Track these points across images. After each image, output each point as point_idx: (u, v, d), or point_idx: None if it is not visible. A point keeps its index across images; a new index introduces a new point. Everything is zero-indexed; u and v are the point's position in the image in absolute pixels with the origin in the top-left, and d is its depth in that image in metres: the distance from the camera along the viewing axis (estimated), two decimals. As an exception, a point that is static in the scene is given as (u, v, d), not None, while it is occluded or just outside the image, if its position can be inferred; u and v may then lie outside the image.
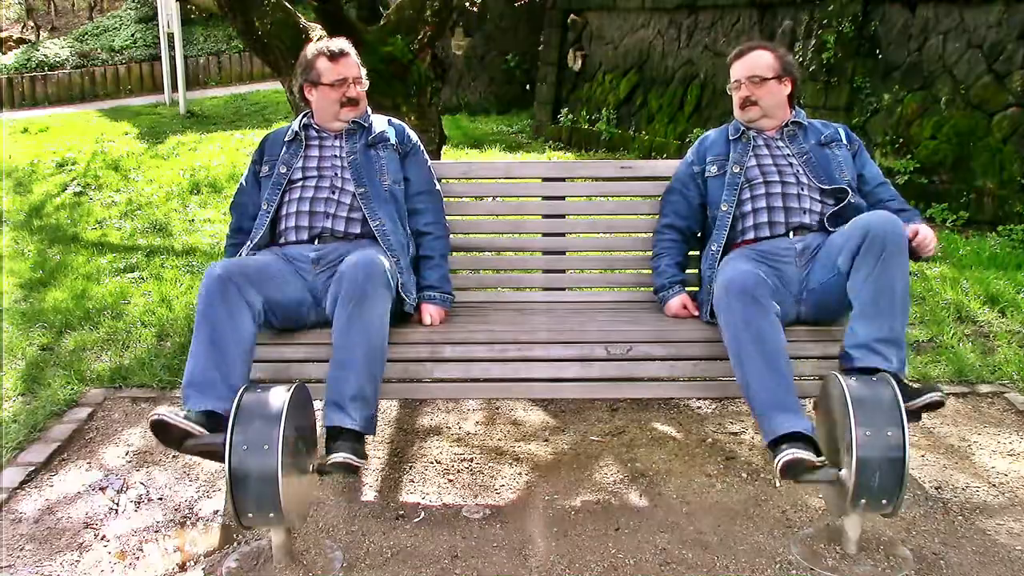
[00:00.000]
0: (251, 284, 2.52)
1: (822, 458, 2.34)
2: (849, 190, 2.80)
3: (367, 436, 2.49)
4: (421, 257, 2.92)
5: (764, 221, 2.83)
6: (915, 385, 2.47)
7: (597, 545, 2.45)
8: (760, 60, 2.93)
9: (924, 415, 2.45)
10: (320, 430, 2.47)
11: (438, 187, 3.06)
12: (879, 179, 2.94)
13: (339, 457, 2.37)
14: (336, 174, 2.89)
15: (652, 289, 3.03)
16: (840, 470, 2.27)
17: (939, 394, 2.40)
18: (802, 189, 2.84)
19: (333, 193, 2.86)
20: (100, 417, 3.30)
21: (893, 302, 2.46)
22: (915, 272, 4.63)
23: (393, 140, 2.99)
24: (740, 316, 2.49)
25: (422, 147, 3.08)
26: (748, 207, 2.87)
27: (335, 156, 2.92)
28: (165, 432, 2.31)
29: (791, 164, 2.89)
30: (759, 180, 2.88)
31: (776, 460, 2.34)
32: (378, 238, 2.79)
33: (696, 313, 2.86)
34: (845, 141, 2.95)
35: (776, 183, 2.86)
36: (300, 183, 2.88)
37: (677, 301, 2.90)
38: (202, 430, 2.31)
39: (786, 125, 2.97)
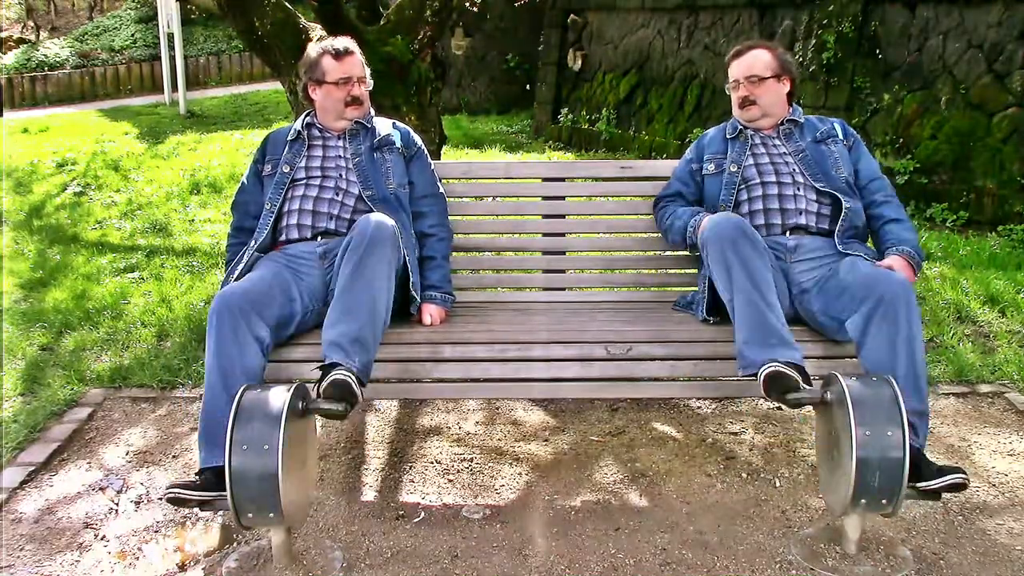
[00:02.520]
0: (259, 315, 2.47)
1: (810, 388, 2.33)
2: (843, 196, 2.79)
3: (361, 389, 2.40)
4: (423, 258, 2.92)
5: (761, 223, 2.83)
6: (938, 464, 2.36)
7: (597, 545, 2.45)
8: (758, 59, 2.93)
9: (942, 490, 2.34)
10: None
11: (442, 190, 3.06)
12: (874, 175, 2.92)
13: (338, 375, 2.30)
14: (340, 175, 2.89)
15: (676, 244, 2.94)
16: (826, 392, 2.25)
17: (963, 476, 2.27)
18: (798, 189, 2.84)
19: (337, 194, 2.85)
20: (100, 417, 3.30)
21: (917, 381, 2.38)
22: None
23: (399, 144, 2.99)
24: (729, 244, 2.50)
25: (426, 150, 3.08)
26: (745, 208, 2.87)
27: (339, 156, 2.92)
28: (183, 504, 2.37)
29: (787, 163, 2.89)
30: (756, 180, 2.88)
31: (760, 372, 2.35)
32: None
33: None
34: (841, 136, 2.95)
35: (772, 183, 2.86)
36: (303, 183, 2.88)
37: (709, 216, 2.77)
38: (216, 495, 2.31)
39: (782, 123, 2.97)
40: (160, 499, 2.41)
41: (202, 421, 2.43)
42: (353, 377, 2.34)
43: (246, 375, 2.41)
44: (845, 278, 2.57)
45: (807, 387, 2.35)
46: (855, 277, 2.54)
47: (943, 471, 2.30)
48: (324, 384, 2.33)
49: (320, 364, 2.42)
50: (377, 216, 2.60)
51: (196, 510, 2.64)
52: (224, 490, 2.24)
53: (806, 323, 2.73)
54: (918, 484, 2.28)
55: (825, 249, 2.74)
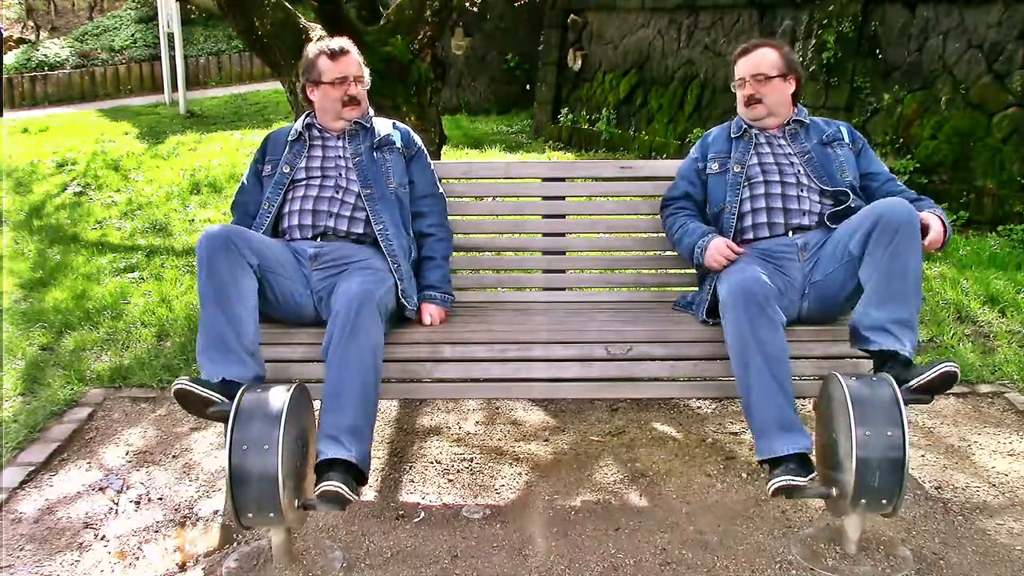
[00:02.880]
0: (250, 249, 2.53)
1: (813, 474, 2.36)
2: (850, 193, 2.80)
3: (358, 481, 2.40)
4: (423, 258, 2.92)
5: (764, 222, 2.83)
6: (921, 367, 2.41)
7: (597, 545, 2.45)
8: (765, 58, 2.92)
9: (933, 402, 2.42)
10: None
11: (442, 190, 3.06)
12: (886, 175, 2.93)
13: (331, 485, 2.29)
14: (340, 174, 2.89)
15: (683, 255, 2.95)
16: (831, 489, 2.28)
17: (952, 364, 2.35)
18: (802, 190, 2.83)
19: (337, 192, 2.86)
20: (100, 417, 3.30)
21: (906, 285, 2.46)
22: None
23: (399, 144, 2.99)
24: (748, 325, 2.47)
25: (426, 151, 3.08)
26: (748, 207, 2.86)
27: (339, 156, 2.92)
28: (186, 400, 2.37)
29: (792, 163, 2.88)
30: (759, 180, 2.87)
31: (769, 485, 2.37)
32: (380, 242, 2.80)
33: (740, 250, 2.78)
34: (847, 140, 2.95)
35: (776, 183, 2.85)
36: (304, 182, 2.88)
37: (719, 241, 2.77)
38: (221, 398, 2.34)
39: (788, 123, 2.96)
40: (172, 393, 2.39)
41: (202, 340, 2.45)
42: (345, 483, 2.31)
43: (241, 296, 2.46)
44: (842, 227, 2.65)
45: (811, 477, 2.36)
46: (853, 217, 2.62)
47: (932, 364, 2.36)
48: (319, 491, 2.32)
49: (318, 462, 2.38)
50: (358, 290, 2.54)
51: (196, 510, 2.64)
52: (229, 399, 2.27)
53: (811, 320, 2.73)
54: (911, 383, 2.33)
55: (825, 232, 2.77)
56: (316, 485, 2.33)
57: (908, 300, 2.46)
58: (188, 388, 2.34)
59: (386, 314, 2.62)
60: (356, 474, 2.37)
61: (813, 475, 2.37)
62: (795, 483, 2.33)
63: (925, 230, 2.57)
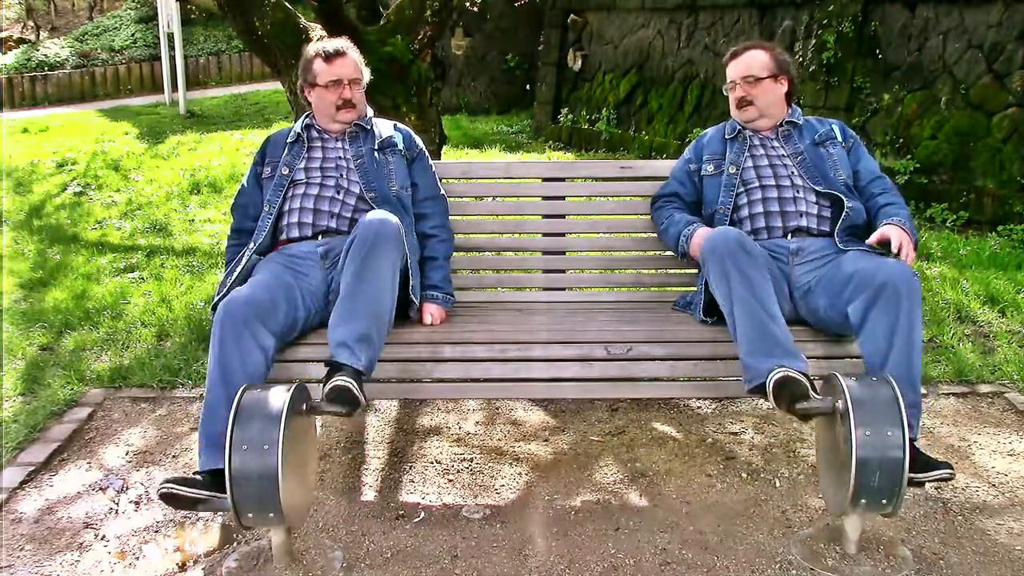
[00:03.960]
0: (263, 324, 2.46)
1: (818, 395, 2.33)
2: (844, 196, 2.79)
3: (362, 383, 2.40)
4: (425, 258, 2.92)
5: (762, 226, 2.83)
6: (925, 456, 2.39)
7: (597, 545, 2.45)
8: (755, 60, 2.93)
9: (931, 480, 2.35)
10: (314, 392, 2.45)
11: (443, 192, 3.06)
12: (874, 173, 2.91)
13: (341, 380, 2.30)
14: (341, 175, 2.88)
15: (670, 249, 2.96)
16: (838, 402, 2.23)
17: (949, 471, 2.32)
18: (797, 192, 2.83)
19: (338, 193, 2.85)
20: (100, 417, 3.30)
21: (911, 371, 2.39)
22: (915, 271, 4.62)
23: (401, 146, 2.99)
24: (729, 260, 2.49)
25: (427, 152, 3.08)
26: (745, 211, 2.86)
27: (339, 157, 2.92)
28: (176, 501, 2.32)
29: (786, 165, 2.88)
30: (755, 183, 2.87)
31: (768, 380, 2.34)
32: None
33: None
34: (840, 139, 2.94)
35: (772, 187, 2.85)
36: (304, 183, 2.87)
37: (703, 230, 2.79)
38: (210, 494, 2.30)
39: (781, 125, 2.96)
40: (156, 495, 2.39)
41: (202, 424, 2.43)
42: (356, 383, 2.33)
43: (248, 379, 2.40)
44: (848, 270, 2.56)
45: (817, 396, 2.34)
46: (858, 267, 2.54)
47: (932, 464, 2.33)
48: (328, 387, 2.33)
49: (326, 362, 2.42)
50: (381, 214, 2.60)
51: (196, 512, 2.64)
52: (219, 493, 2.24)
53: (808, 324, 2.72)
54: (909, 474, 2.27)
55: (826, 249, 2.74)
56: (324, 386, 2.33)
57: (915, 382, 2.40)
58: (175, 491, 2.28)
59: (402, 248, 2.58)
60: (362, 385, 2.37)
61: (822, 399, 2.32)
62: (796, 376, 2.30)
63: (892, 244, 2.56)
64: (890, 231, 2.61)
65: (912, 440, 2.35)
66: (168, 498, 2.30)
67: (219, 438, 2.31)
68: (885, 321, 2.39)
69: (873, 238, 2.62)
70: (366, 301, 2.45)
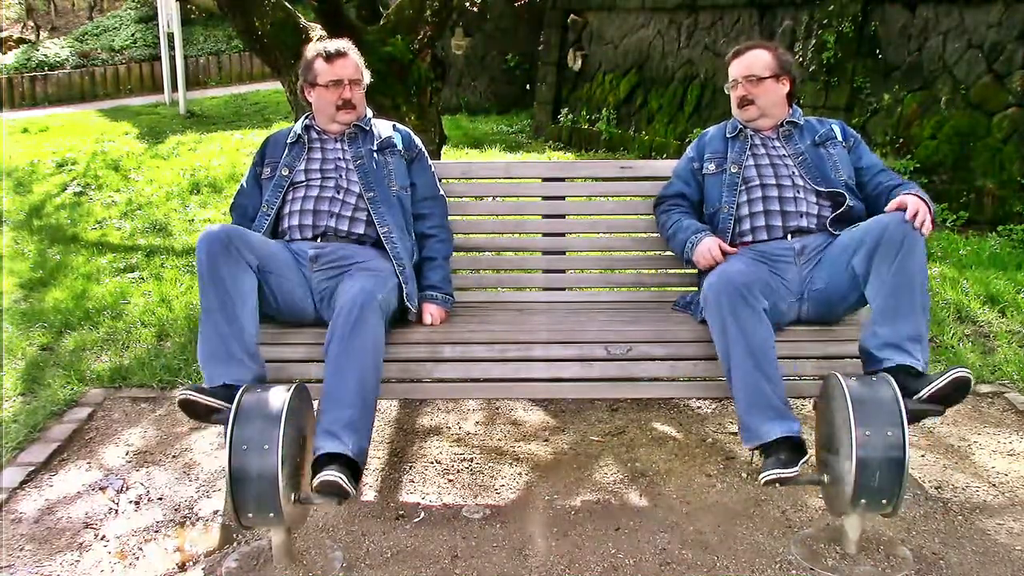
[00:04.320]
0: (250, 248, 2.54)
1: (806, 457, 2.37)
2: (846, 194, 2.80)
3: (356, 477, 2.37)
4: (424, 259, 2.92)
5: (762, 225, 2.83)
6: (928, 377, 2.40)
7: (597, 545, 2.45)
8: (757, 59, 2.93)
9: (945, 409, 2.39)
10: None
11: (442, 192, 3.06)
12: (878, 167, 2.91)
13: (330, 474, 2.26)
14: (341, 175, 2.88)
15: (675, 254, 2.96)
16: (823, 475, 2.28)
17: (964, 371, 2.32)
18: (798, 192, 2.83)
19: (338, 193, 2.85)
20: (100, 417, 3.30)
21: (914, 301, 2.44)
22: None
23: (400, 146, 2.99)
24: (729, 315, 2.49)
25: (426, 153, 3.08)
26: (745, 210, 2.87)
27: (339, 158, 2.92)
28: (191, 408, 2.38)
29: (787, 165, 2.89)
30: (756, 183, 2.87)
31: (760, 476, 2.37)
32: (385, 245, 2.80)
33: (731, 250, 2.80)
34: (840, 138, 2.95)
35: (772, 186, 2.85)
36: (303, 184, 2.87)
37: (710, 240, 2.80)
38: (224, 404, 2.34)
39: (781, 125, 2.96)
40: (176, 402, 2.41)
41: (203, 345, 2.47)
42: (344, 476, 2.28)
43: (242, 298, 2.46)
44: (844, 239, 2.63)
45: (801, 466, 2.37)
46: (856, 230, 2.60)
47: (943, 372, 2.33)
48: (316, 482, 2.29)
49: (315, 457, 2.35)
50: (360, 291, 2.54)
51: (196, 510, 2.64)
52: (231, 403, 2.26)
53: (811, 323, 2.73)
54: (921, 393, 2.31)
55: (826, 237, 2.77)
56: (313, 479, 2.31)
57: (917, 316, 2.44)
58: (193, 398, 2.36)
59: (388, 315, 2.62)
60: (354, 471, 2.35)
61: (807, 458, 2.36)
62: (784, 476, 2.33)
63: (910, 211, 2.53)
64: (906, 199, 2.58)
65: (922, 369, 2.39)
66: (186, 405, 2.36)
67: (225, 354, 2.42)
68: (888, 262, 2.44)
69: (890, 206, 2.58)
70: (351, 387, 2.42)
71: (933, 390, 2.32)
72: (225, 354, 2.45)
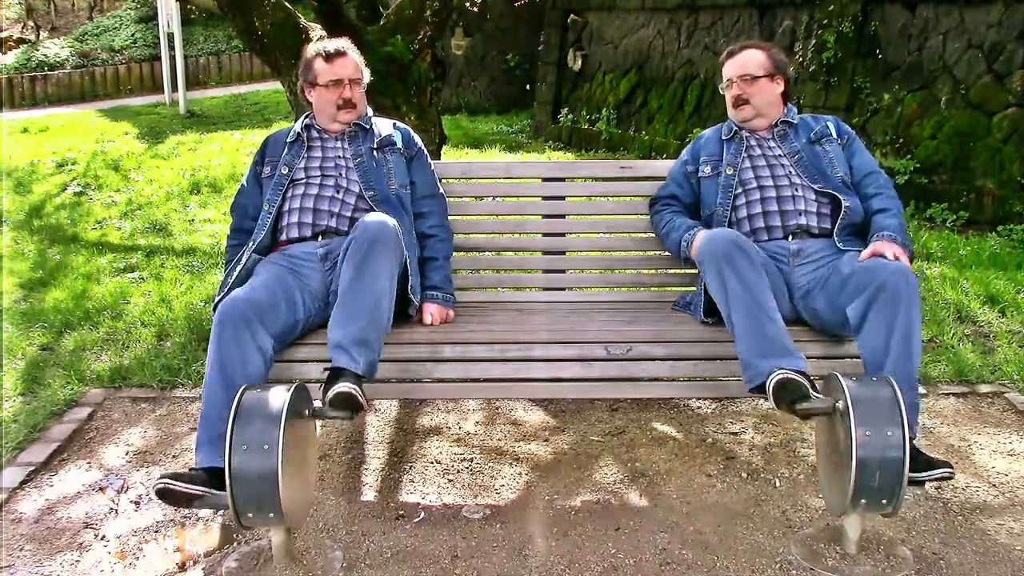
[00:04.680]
0: (262, 325, 2.46)
1: (818, 395, 2.33)
2: (842, 197, 2.78)
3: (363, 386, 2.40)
4: (425, 259, 2.92)
5: (761, 226, 2.83)
6: (925, 456, 2.38)
7: (597, 545, 2.45)
8: (752, 59, 2.93)
9: (932, 481, 2.37)
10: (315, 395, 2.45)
11: (442, 191, 3.06)
12: (868, 169, 2.89)
13: (343, 387, 2.29)
14: (341, 174, 2.88)
15: (672, 254, 2.97)
16: (838, 402, 2.23)
17: (949, 471, 2.32)
18: (796, 191, 2.83)
19: (338, 192, 2.85)
20: (100, 417, 3.30)
21: (910, 368, 2.38)
22: (914, 272, 4.63)
23: (399, 144, 2.99)
24: (724, 260, 2.49)
25: (426, 151, 3.08)
26: (743, 212, 2.86)
27: (339, 157, 2.92)
28: (172, 497, 2.29)
29: (783, 165, 2.89)
30: (753, 184, 2.87)
31: (768, 381, 2.34)
32: None
33: None
34: (835, 135, 2.94)
35: (770, 187, 2.85)
36: (303, 183, 2.87)
37: (703, 234, 2.77)
38: (206, 491, 2.29)
39: (776, 124, 2.96)
40: (152, 491, 2.38)
41: (201, 423, 2.43)
42: (358, 387, 2.32)
43: (247, 381, 2.40)
44: (846, 270, 2.56)
45: (817, 396, 2.34)
46: (856, 267, 2.54)
47: (932, 464, 2.33)
48: (330, 394, 2.32)
49: (326, 367, 2.41)
50: (378, 216, 2.60)
51: (192, 509, 2.64)
52: (215, 489, 2.25)
53: (807, 324, 2.73)
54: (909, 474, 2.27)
55: (826, 249, 2.74)
56: (325, 393, 2.33)
57: (912, 380, 2.40)
58: (172, 487, 2.26)
59: (400, 249, 2.58)
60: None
61: (819, 395, 2.32)
62: (797, 378, 2.30)
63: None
64: (883, 247, 2.56)
65: (911, 440, 2.35)
66: (164, 494, 2.28)
67: (217, 437, 2.31)
68: (883, 321, 2.39)
69: (865, 254, 2.58)
70: (364, 304, 2.45)
71: (919, 478, 2.30)
72: (218, 437, 2.32)
